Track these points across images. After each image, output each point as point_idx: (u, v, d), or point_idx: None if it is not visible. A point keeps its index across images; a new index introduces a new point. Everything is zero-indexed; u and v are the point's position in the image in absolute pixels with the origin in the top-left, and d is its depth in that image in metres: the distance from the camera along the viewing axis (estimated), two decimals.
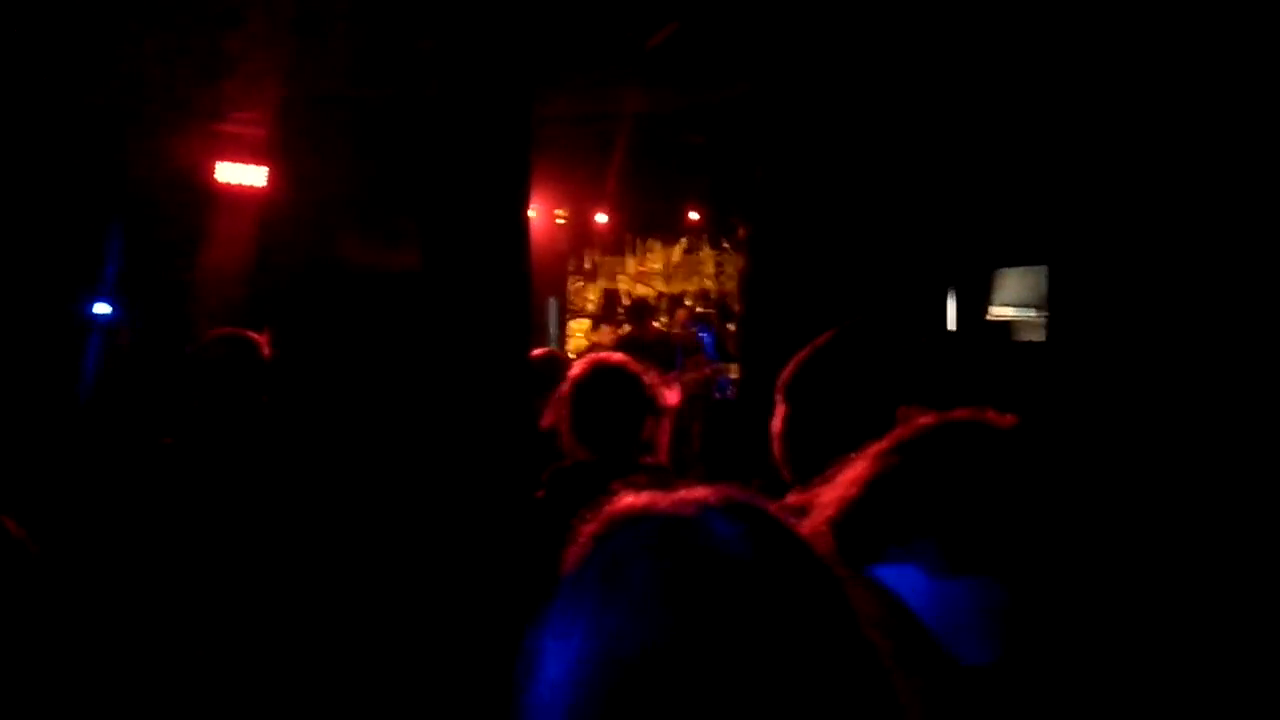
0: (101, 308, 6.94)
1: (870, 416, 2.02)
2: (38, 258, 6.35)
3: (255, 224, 7.56)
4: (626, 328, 11.22)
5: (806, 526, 1.04)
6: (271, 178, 7.73)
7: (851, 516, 1.05)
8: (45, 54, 6.13)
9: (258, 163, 7.75)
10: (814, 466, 2.04)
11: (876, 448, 1.09)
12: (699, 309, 12.28)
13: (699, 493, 0.81)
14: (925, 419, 1.11)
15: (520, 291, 3.48)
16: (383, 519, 3.28)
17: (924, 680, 0.94)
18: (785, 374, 2.16)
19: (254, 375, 3.28)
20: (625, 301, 12.80)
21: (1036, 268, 6.74)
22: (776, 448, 2.12)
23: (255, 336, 3.37)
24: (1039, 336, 6.65)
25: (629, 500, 0.82)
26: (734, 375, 9.13)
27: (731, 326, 10.95)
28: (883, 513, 1.04)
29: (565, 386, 3.00)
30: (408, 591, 3.21)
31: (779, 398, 2.14)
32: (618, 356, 3.14)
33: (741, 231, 8.07)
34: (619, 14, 5.71)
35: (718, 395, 9.24)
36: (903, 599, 1.00)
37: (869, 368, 2.08)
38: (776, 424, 2.12)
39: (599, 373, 3.00)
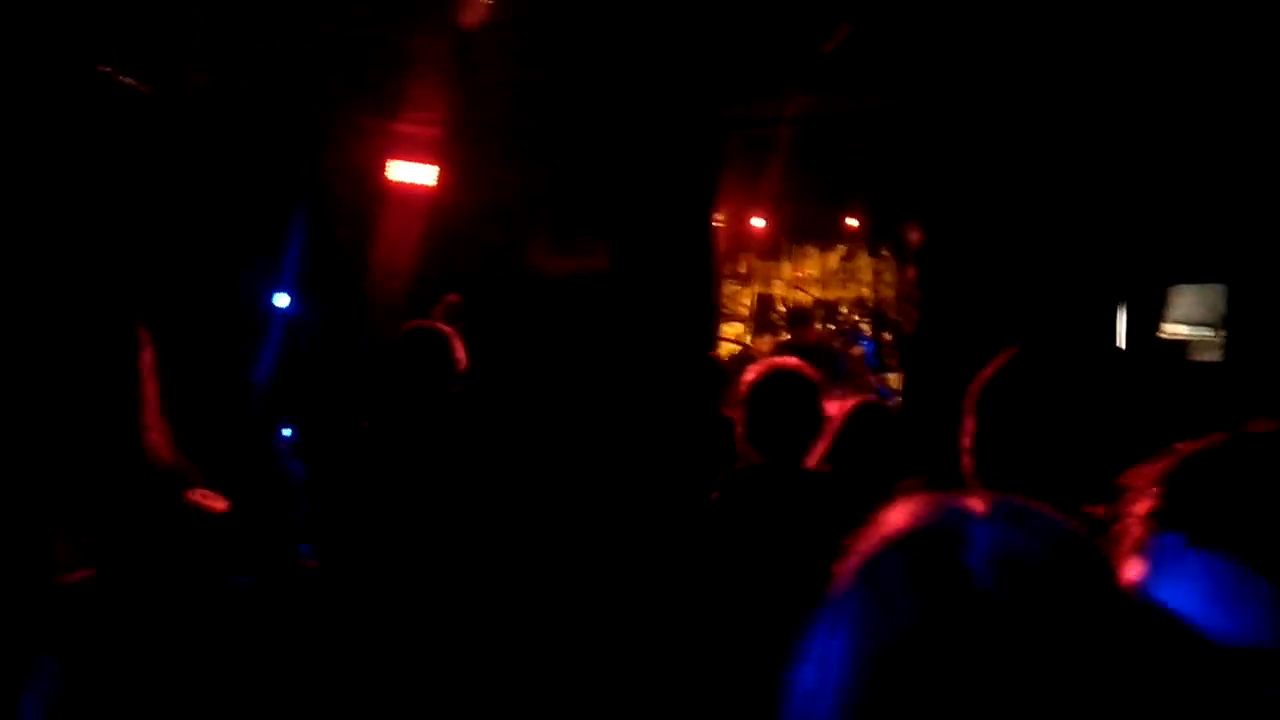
0: (282, 299, 7.26)
1: (1061, 431, 2.05)
2: (222, 252, 6.68)
3: (425, 221, 7.79)
4: (785, 335, 11.18)
5: (1124, 512, 1.07)
6: (442, 178, 7.94)
7: (1155, 501, 1.07)
8: (233, 56, 6.46)
9: (429, 162, 7.96)
10: (1005, 478, 2.07)
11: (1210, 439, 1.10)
12: (855, 317, 12.16)
13: (978, 501, 0.81)
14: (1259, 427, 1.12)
15: (705, 296, 3.55)
16: (564, 512, 3.38)
17: (1190, 663, 0.95)
18: (974, 388, 2.17)
19: (446, 367, 3.43)
20: (780, 308, 12.74)
21: (1214, 285, 6.51)
22: (966, 461, 2.14)
23: (447, 330, 3.52)
24: (1216, 356, 6.42)
25: (907, 512, 0.82)
26: (893, 385, 9.03)
27: (888, 335, 10.81)
28: (1176, 495, 1.05)
29: (741, 390, 3.04)
30: (584, 583, 3.31)
31: (969, 411, 2.16)
32: (793, 361, 3.15)
33: (907, 240, 8.00)
34: (796, 20, 5.72)
35: None
36: (1172, 571, 1.01)
37: (1062, 384, 2.09)
38: (966, 439, 2.14)
39: (776, 377, 3.02)
